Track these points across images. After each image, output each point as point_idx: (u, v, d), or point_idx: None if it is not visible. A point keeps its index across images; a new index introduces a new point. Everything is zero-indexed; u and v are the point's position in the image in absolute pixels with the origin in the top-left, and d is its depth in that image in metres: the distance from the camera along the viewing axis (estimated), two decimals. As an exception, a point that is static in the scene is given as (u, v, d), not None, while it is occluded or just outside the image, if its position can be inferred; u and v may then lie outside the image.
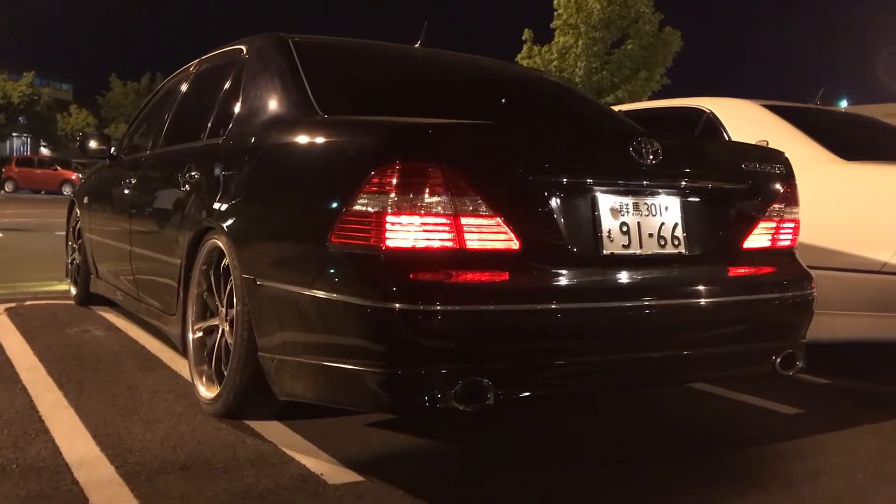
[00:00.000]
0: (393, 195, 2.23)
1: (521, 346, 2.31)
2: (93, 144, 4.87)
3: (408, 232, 2.23)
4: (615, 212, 2.51)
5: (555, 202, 2.41)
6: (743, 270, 2.76)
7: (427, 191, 2.23)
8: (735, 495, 2.48)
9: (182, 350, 3.44)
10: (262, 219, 2.80)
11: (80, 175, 33.59)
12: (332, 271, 2.38)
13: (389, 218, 2.23)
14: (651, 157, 2.55)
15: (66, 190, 33.09)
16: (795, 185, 2.93)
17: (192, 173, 3.34)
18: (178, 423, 2.96)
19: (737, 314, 2.68)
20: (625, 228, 2.52)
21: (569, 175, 2.46)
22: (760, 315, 2.74)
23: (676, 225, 2.62)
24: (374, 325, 2.23)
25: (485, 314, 2.23)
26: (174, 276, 3.44)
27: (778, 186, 2.87)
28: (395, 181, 2.23)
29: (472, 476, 2.64)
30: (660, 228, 2.58)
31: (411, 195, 2.23)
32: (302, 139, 2.82)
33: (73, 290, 5.61)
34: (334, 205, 2.38)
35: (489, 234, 2.30)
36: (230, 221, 2.93)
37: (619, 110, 5.49)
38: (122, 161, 4.77)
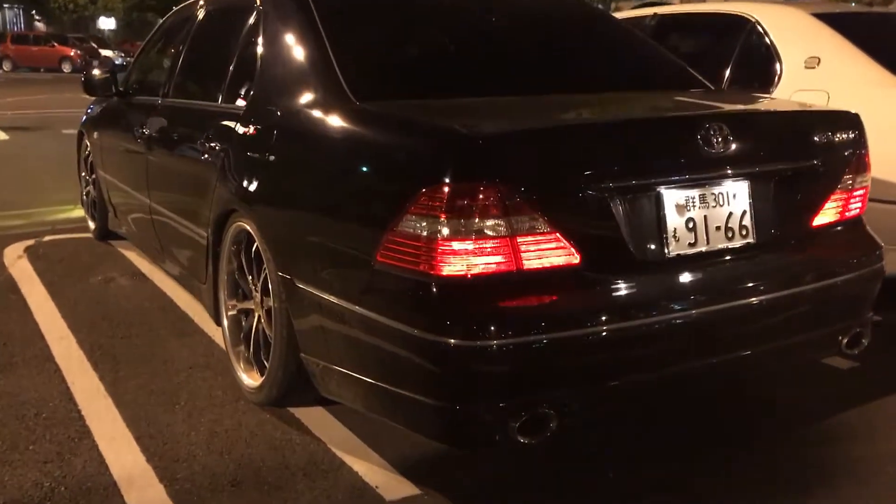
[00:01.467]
0: (443, 219, 2.01)
1: (583, 370, 2.16)
2: (97, 80, 4.63)
3: (461, 258, 2.04)
4: (681, 208, 2.30)
5: (616, 206, 2.19)
6: (813, 252, 2.56)
7: (481, 212, 2.02)
8: (795, 488, 2.42)
9: (215, 321, 3.33)
10: (296, 218, 2.60)
11: (79, 51, 32.75)
12: (379, 292, 2.21)
13: (441, 244, 2.03)
14: (720, 142, 2.32)
15: (66, 67, 32.28)
16: (867, 148, 2.70)
17: (213, 144, 3.12)
18: (221, 415, 2.88)
19: (807, 301, 2.50)
20: (690, 225, 2.32)
21: (632, 175, 2.24)
22: (830, 298, 2.56)
23: (745, 213, 2.41)
24: (429, 357, 2.08)
25: (546, 342, 2.07)
26: (201, 246, 3.28)
27: (850, 154, 2.64)
28: (446, 203, 2.01)
29: (536, 481, 2.54)
30: (727, 219, 2.38)
31: (464, 219, 2.02)
32: (336, 133, 2.56)
33: (92, 225, 5.47)
34: (378, 219, 2.19)
35: (548, 250, 2.11)
36: (260, 210, 2.74)
37: (655, 14, 5.14)
38: (130, 100, 4.50)
